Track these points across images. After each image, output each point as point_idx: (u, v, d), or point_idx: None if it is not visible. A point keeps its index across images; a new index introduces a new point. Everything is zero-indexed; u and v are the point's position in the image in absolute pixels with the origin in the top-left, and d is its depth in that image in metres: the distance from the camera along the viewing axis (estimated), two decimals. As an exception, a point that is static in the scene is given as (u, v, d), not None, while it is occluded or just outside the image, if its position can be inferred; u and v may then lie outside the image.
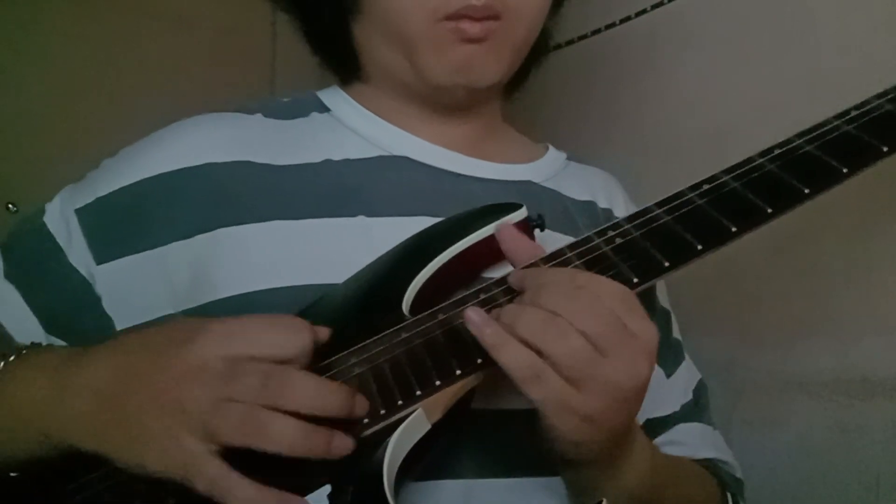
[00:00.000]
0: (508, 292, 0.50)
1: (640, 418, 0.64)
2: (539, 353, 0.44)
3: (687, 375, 0.71)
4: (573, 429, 0.45)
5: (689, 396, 0.69)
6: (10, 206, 1.02)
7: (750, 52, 0.85)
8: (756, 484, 0.71)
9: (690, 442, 0.67)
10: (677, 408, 0.68)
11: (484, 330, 0.45)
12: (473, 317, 0.45)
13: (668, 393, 0.68)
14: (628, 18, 0.98)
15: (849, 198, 0.74)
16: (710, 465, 0.66)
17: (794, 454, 0.77)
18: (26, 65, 1.12)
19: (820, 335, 0.77)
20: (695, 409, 0.69)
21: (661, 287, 0.71)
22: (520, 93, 0.76)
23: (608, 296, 0.45)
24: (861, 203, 0.74)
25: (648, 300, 0.62)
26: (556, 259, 0.51)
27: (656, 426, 0.66)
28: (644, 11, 0.96)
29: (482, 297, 0.50)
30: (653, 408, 0.66)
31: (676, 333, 0.72)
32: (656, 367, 0.66)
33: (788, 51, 0.81)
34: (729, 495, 0.64)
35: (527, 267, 0.51)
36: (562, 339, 0.43)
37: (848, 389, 0.74)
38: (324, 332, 0.48)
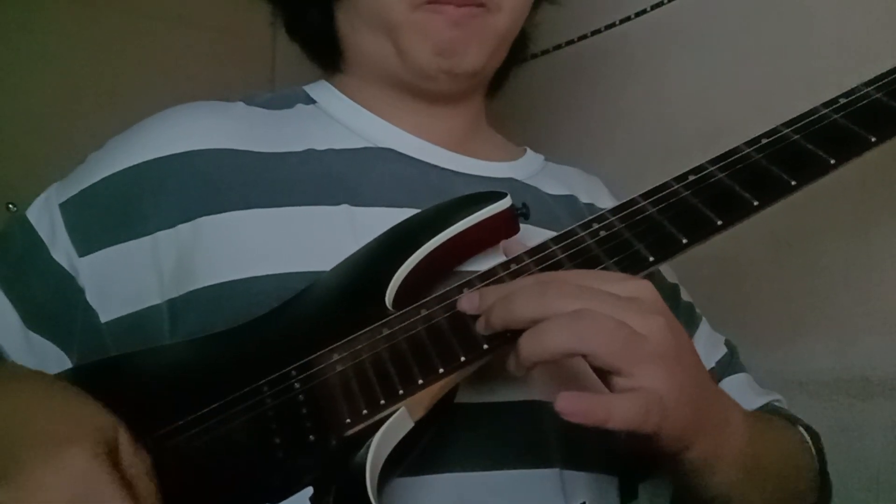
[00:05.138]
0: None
1: None
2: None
3: (709, 334, 0.70)
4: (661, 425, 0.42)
5: (723, 350, 0.69)
6: (10, 206, 1.02)
7: (749, 52, 0.85)
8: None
9: (742, 394, 0.65)
10: (712, 364, 0.67)
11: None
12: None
13: None
14: (628, 18, 0.98)
15: (849, 198, 0.74)
16: (769, 409, 0.66)
17: (793, 454, 0.77)
18: (26, 65, 1.12)
19: (820, 335, 0.77)
20: (733, 362, 0.69)
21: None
22: (519, 93, 0.76)
23: (611, 305, 0.43)
24: (861, 203, 0.74)
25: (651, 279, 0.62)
26: (541, 252, 0.50)
27: None
28: (644, 11, 0.96)
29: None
30: None
31: (686, 297, 0.72)
32: None
33: (787, 51, 0.81)
34: (800, 428, 0.63)
35: (510, 261, 0.50)
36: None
37: (848, 389, 0.74)
38: None
